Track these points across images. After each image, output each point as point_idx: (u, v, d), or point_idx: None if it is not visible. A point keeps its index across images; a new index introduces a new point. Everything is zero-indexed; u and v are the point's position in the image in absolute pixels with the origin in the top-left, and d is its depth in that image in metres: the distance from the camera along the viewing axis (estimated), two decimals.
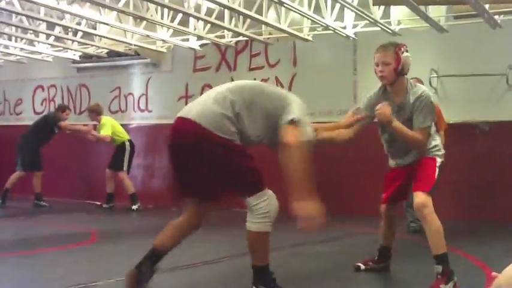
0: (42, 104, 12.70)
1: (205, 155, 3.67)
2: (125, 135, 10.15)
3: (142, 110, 11.63)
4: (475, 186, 8.36)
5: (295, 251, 6.13)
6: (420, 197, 4.29)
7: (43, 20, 8.55)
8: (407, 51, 4.47)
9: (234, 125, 3.69)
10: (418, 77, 9.24)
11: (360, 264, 4.96)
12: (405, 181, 4.64)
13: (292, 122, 3.69)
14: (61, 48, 10.64)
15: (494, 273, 1.27)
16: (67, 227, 8.03)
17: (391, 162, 4.82)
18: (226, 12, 8.24)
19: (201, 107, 3.72)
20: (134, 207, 9.90)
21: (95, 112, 10.11)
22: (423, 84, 5.17)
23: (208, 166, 3.68)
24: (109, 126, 9.91)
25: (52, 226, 8.19)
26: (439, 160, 4.50)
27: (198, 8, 7.97)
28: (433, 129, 4.59)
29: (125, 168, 10.06)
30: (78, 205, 10.66)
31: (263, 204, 3.74)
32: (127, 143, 10.09)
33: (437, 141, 4.59)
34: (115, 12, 8.12)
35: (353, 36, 8.49)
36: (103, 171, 11.54)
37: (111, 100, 11.90)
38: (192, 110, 3.76)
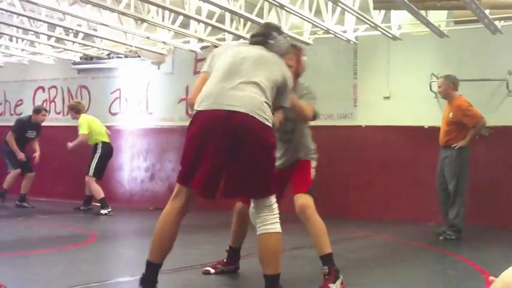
0: (42, 105, 12.68)
1: (257, 149, 3.56)
2: (101, 137, 9.74)
3: (142, 112, 11.63)
4: (474, 191, 8.36)
5: (293, 254, 6.12)
6: (301, 199, 4.29)
7: (44, 21, 8.56)
8: (305, 55, 4.53)
9: (270, 108, 3.67)
10: (418, 80, 9.30)
11: (208, 268, 4.85)
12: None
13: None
14: (62, 50, 10.66)
15: (491, 278, 1.28)
16: (66, 227, 8.04)
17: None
18: (227, 15, 8.25)
19: (245, 94, 3.57)
20: (103, 211, 9.45)
21: (74, 110, 9.88)
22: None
23: (256, 160, 3.57)
24: (85, 126, 9.64)
25: (51, 227, 8.19)
26: (313, 163, 4.52)
27: (199, 10, 7.98)
28: (310, 133, 4.65)
29: (91, 172, 9.62)
30: (78, 206, 10.65)
31: (277, 205, 3.70)
32: (99, 145, 9.69)
33: (313, 146, 4.62)
34: (116, 14, 8.13)
35: (354, 40, 8.50)
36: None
37: (111, 102, 11.91)
38: (234, 99, 3.56)
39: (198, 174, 3.59)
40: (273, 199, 3.65)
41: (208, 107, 3.60)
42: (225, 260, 4.90)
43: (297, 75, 4.45)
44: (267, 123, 3.57)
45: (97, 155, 9.67)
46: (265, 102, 3.61)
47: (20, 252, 5.85)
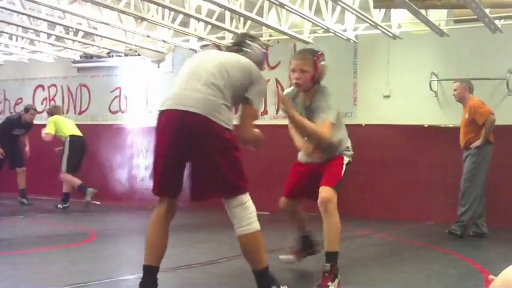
0: (42, 103, 12.70)
1: (212, 149, 3.56)
2: (67, 131, 9.98)
3: (142, 111, 11.63)
4: None
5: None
6: (326, 192, 4.27)
7: (44, 20, 8.56)
8: (324, 60, 4.55)
9: (229, 111, 3.67)
10: (418, 79, 9.30)
11: (286, 256, 5.12)
12: (311, 181, 4.54)
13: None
14: (62, 48, 10.66)
15: (491, 276, 1.28)
16: (66, 226, 8.04)
17: (303, 158, 4.73)
18: (227, 13, 8.25)
19: (201, 96, 3.56)
20: (60, 206, 9.90)
21: (48, 113, 10.29)
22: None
23: (212, 161, 3.57)
24: (51, 125, 9.93)
25: (51, 225, 8.19)
26: (346, 159, 4.53)
27: (198, 9, 7.98)
28: (346, 133, 4.67)
29: (63, 168, 9.87)
30: (77, 204, 10.65)
31: (251, 202, 3.68)
32: (67, 139, 9.91)
33: (348, 143, 4.65)
34: (116, 13, 8.13)
35: (354, 39, 8.50)
36: (102, 171, 11.58)
37: (111, 100, 11.91)
38: (191, 100, 3.57)
39: (155, 176, 3.74)
40: (244, 197, 3.64)
41: (166, 107, 3.69)
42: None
43: (313, 80, 4.45)
44: (222, 124, 3.55)
45: (65, 150, 9.93)
46: (223, 104, 3.60)
47: (20, 251, 5.86)
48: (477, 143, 7.36)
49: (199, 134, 3.53)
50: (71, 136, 9.94)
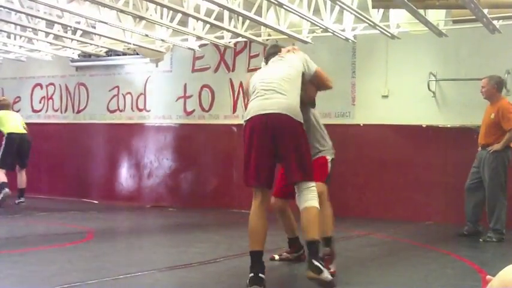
0: (40, 102, 12.69)
1: (296, 140, 4.33)
2: (8, 128, 10.00)
3: (140, 110, 11.63)
4: None
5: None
6: (318, 187, 4.59)
7: (42, 18, 8.54)
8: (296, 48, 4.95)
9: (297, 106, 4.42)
10: (416, 79, 9.30)
11: (274, 255, 5.38)
12: None
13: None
14: (60, 47, 10.64)
15: (488, 277, 1.28)
16: (63, 225, 8.04)
17: None
18: (226, 13, 8.24)
19: (280, 101, 4.33)
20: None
21: None
22: None
23: (298, 151, 4.33)
24: None
25: (48, 224, 8.19)
26: (329, 157, 5.08)
27: (197, 8, 7.97)
28: (326, 134, 5.21)
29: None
30: (75, 203, 10.66)
31: (315, 185, 4.38)
32: (6, 136, 9.97)
33: (328, 145, 5.16)
34: (114, 12, 8.12)
35: (352, 39, 8.50)
36: (99, 169, 11.58)
37: (109, 99, 11.90)
38: (273, 105, 4.31)
39: (251, 169, 4.37)
40: (313, 182, 4.36)
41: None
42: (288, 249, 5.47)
43: None
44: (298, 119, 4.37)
45: (2, 147, 9.95)
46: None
47: (18, 250, 5.86)
48: (496, 147, 7.15)
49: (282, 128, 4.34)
50: (10, 133, 9.97)
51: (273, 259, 5.31)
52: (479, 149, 7.43)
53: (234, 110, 10.51)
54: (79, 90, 12.30)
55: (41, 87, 12.72)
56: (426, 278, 4.98)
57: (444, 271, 5.28)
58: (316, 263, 4.12)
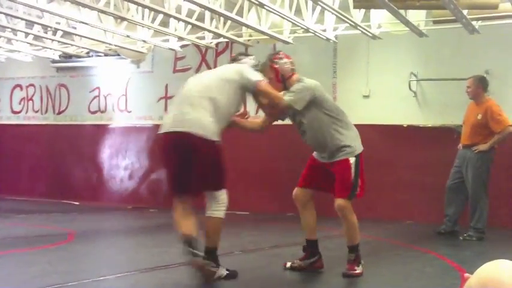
0: (20, 103, 12.59)
1: (202, 157, 4.41)
2: None
3: (122, 111, 11.58)
4: None
5: (274, 252, 6.14)
6: (340, 202, 4.85)
7: (21, 19, 8.47)
8: (281, 58, 4.94)
9: (215, 125, 4.45)
10: (397, 79, 9.36)
11: (286, 262, 5.11)
12: (322, 174, 4.99)
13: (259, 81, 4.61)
14: (40, 48, 10.56)
15: (466, 274, 1.28)
16: (44, 227, 7.97)
17: (316, 155, 5.06)
18: (207, 13, 8.23)
19: (190, 117, 4.41)
20: None
21: None
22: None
23: (205, 166, 4.45)
24: None
25: (28, 226, 8.12)
26: (352, 159, 4.83)
27: (178, 9, 7.95)
28: (350, 131, 4.99)
29: None
30: (56, 205, 10.59)
31: (225, 196, 4.58)
32: None
33: (347, 140, 4.88)
34: (95, 12, 8.08)
35: (333, 39, 8.52)
36: (80, 170, 11.51)
37: (90, 100, 11.84)
38: (182, 122, 4.44)
39: None
40: (222, 193, 4.57)
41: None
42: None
43: (279, 80, 4.86)
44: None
45: None
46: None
47: None
48: (483, 147, 7.14)
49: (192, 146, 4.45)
50: None
51: (285, 267, 5.05)
52: (460, 147, 7.46)
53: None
54: (60, 91, 12.22)
55: (21, 88, 12.62)
56: (406, 277, 5.01)
57: (424, 269, 5.31)
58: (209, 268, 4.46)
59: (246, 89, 4.64)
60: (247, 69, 4.70)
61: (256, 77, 4.64)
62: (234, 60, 4.95)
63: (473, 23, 7.35)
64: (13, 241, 6.67)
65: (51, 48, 10.51)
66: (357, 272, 4.79)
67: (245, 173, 10.07)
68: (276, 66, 4.87)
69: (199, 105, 4.45)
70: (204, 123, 4.41)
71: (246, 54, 5.06)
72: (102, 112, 11.76)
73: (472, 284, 1.21)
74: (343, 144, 4.81)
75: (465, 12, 6.81)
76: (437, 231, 7.48)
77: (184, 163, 4.45)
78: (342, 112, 4.99)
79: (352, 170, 4.81)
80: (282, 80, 4.86)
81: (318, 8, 7.64)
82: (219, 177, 4.59)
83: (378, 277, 5.03)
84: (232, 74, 4.63)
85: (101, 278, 4.67)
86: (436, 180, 8.35)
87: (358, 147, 4.91)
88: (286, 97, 4.77)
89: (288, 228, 7.61)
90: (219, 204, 4.54)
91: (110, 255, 6.22)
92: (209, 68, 10.60)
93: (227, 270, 4.58)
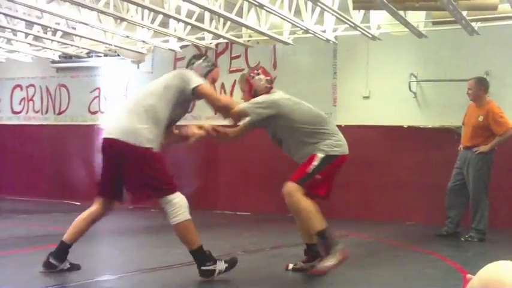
0: (20, 104, 12.60)
1: (133, 165, 4.45)
2: None
3: None
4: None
5: (275, 253, 6.15)
6: (285, 186, 4.71)
7: (21, 19, 8.48)
8: (258, 74, 5.00)
9: (150, 132, 4.45)
10: (397, 80, 9.37)
11: (288, 264, 5.11)
12: None
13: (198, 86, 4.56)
14: (40, 48, 10.56)
15: (469, 275, 1.30)
16: (45, 227, 7.97)
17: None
18: (207, 14, 8.24)
19: (122, 124, 4.51)
20: None
21: None
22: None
23: (137, 175, 4.48)
24: None
25: (30, 226, 8.12)
26: (320, 155, 4.77)
27: (178, 9, 7.96)
28: (317, 137, 4.87)
29: None
30: (57, 205, 10.59)
31: (179, 199, 4.47)
32: None
33: (320, 148, 4.82)
34: (95, 13, 8.09)
35: (333, 40, 8.53)
36: (81, 170, 11.51)
37: (90, 101, 11.85)
38: (114, 128, 4.54)
39: None
40: (169, 199, 4.46)
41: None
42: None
43: (251, 95, 4.96)
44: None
45: None
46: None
47: None
48: (484, 148, 7.15)
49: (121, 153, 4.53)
50: None
51: (286, 268, 5.04)
52: (461, 149, 7.47)
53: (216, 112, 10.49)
54: (60, 91, 12.23)
55: (21, 89, 12.62)
56: (406, 278, 5.01)
57: (425, 271, 5.31)
58: (204, 268, 4.47)
59: (186, 93, 4.59)
60: (187, 74, 4.65)
61: (196, 81, 4.57)
62: (187, 65, 4.87)
63: (473, 24, 7.36)
64: (15, 241, 6.68)
65: (51, 49, 10.51)
66: (327, 265, 4.67)
67: (246, 173, 10.09)
68: (251, 80, 4.96)
69: (134, 111, 4.51)
70: (135, 130, 4.42)
71: (200, 56, 4.97)
72: (102, 112, 11.77)
73: (474, 285, 1.23)
74: (314, 153, 4.79)
75: (464, 13, 6.83)
76: (438, 233, 7.48)
77: (113, 169, 4.57)
78: (320, 121, 4.95)
79: (315, 163, 4.74)
80: (254, 96, 4.93)
81: (318, 9, 7.65)
82: (153, 183, 4.49)
83: (378, 278, 5.04)
84: (171, 80, 4.63)
85: (103, 278, 4.69)
86: (436, 181, 8.36)
87: (334, 151, 4.84)
88: (244, 104, 4.88)
89: (289, 229, 7.60)
90: (171, 211, 4.45)
91: (112, 255, 6.23)
92: None
93: (225, 262, 4.57)
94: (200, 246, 4.48)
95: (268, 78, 5.02)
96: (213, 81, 4.89)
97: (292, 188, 4.68)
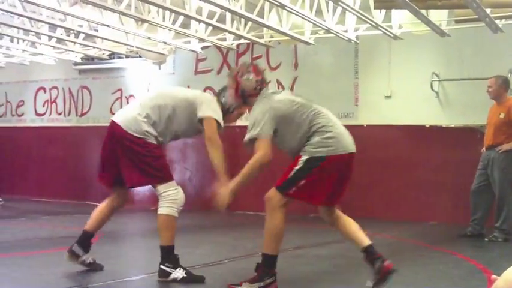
0: (43, 106, 12.72)
1: (125, 150, 4.57)
2: None
3: None
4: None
5: (297, 253, 6.14)
6: (269, 192, 4.28)
7: (45, 22, 8.56)
8: (248, 72, 4.47)
9: (149, 126, 4.57)
10: (419, 80, 9.30)
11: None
12: None
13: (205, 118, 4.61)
14: (63, 50, 10.66)
15: (493, 276, 1.28)
16: (68, 228, 8.03)
17: None
18: (228, 15, 8.25)
19: (127, 111, 4.74)
20: None
21: None
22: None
23: (128, 158, 4.57)
24: None
25: (54, 227, 8.20)
26: (304, 157, 4.24)
27: (199, 10, 7.98)
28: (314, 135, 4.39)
29: None
30: (79, 206, 10.66)
31: (171, 192, 4.56)
32: None
33: (314, 139, 4.34)
34: (117, 15, 8.14)
35: (354, 39, 8.49)
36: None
37: (112, 102, 11.92)
38: (119, 115, 4.74)
39: None
40: (163, 189, 4.56)
41: None
42: None
43: (238, 94, 4.51)
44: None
45: None
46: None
47: (22, 253, 5.86)
48: (507, 146, 7.11)
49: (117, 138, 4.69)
50: None
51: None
52: (484, 149, 7.40)
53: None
54: (82, 93, 12.33)
55: (44, 91, 12.75)
56: (430, 278, 4.98)
57: (449, 271, 5.27)
58: (163, 267, 4.52)
59: (194, 116, 4.66)
60: (207, 102, 4.71)
61: (208, 112, 4.62)
62: (218, 94, 4.93)
63: (497, 21, 7.28)
64: (39, 242, 6.74)
65: (73, 51, 10.60)
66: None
67: (267, 173, 10.07)
68: (239, 79, 4.46)
69: (143, 105, 4.68)
70: (134, 119, 4.58)
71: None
72: None
73: (499, 286, 1.22)
74: (299, 154, 4.31)
75: (488, 10, 6.75)
76: (462, 234, 7.41)
77: (107, 148, 4.74)
78: (318, 117, 4.55)
79: (296, 166, 4.22)
80: (242, 96, 4.50)
81: (339, 9, 7.62)
82: (145, 171, 4.56)
83: (402, 278, 5.00)
84: (192, 97, 4.75)
85: (127, 279, 4.72)
86: (460, 180, 8.30)
87: (319, 151, 4.29)
88: (247, 135, 4.33)
89: (310, 230, 7.61)
90: (164, 200, 4.55)
91: (133, 256, 6.26)
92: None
93: (187, 273, 4.54)
94: (171, 246, 4.58)
95: (259, 78, 4.46)
96: (238, 116, 4.97)
97: (272, 196, 4.25)
